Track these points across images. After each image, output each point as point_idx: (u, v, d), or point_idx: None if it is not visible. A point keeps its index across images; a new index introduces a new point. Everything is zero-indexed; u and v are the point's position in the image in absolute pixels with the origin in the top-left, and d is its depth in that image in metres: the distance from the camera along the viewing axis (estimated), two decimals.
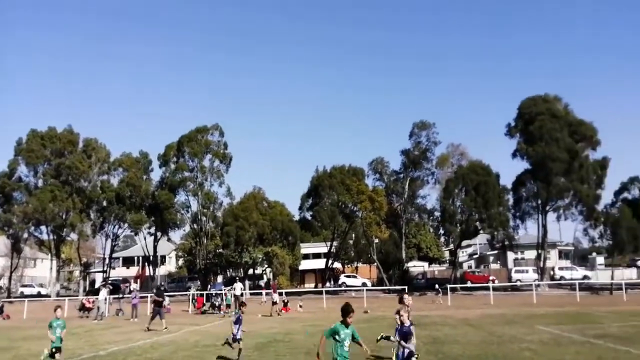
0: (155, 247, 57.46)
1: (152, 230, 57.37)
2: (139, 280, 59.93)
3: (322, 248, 60.43)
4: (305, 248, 64.83)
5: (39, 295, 52.00)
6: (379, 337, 12.12)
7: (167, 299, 35.85)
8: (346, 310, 6.93)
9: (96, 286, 55.06)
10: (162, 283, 53.10)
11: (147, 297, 35.27)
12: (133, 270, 71.77)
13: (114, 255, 63.15)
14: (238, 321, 12.79)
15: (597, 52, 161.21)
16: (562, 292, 43.15)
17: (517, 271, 53.84)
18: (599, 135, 46.60)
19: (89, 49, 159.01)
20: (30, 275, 70.27)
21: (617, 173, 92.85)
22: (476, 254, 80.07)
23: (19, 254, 55.74)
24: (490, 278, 49.75)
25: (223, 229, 50.73)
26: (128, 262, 75.93)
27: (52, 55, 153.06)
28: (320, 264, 61.14)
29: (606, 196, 53.90)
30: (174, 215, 53.59)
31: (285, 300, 32.99)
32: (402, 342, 9.40)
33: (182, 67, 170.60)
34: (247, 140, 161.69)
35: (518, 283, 48.22)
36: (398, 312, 10.01)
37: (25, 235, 54.64)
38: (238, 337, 12.72)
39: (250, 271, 55.82)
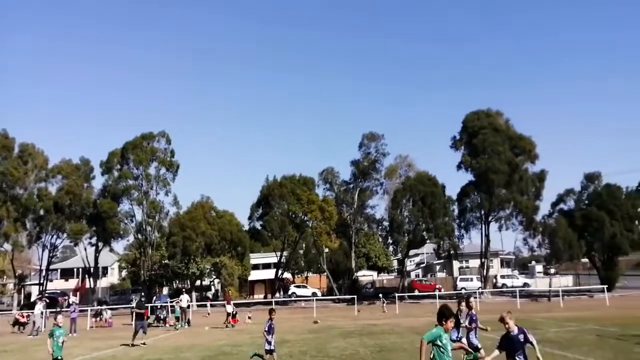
0: (96, 258, 55.09)
1: (93, 240, 54.92)
2: (78, 293, 57.22)
3: (272, 258, 59.94)
4: (255, 258, 64.11)
5: None
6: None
7: (108, 312, 34.67)
8: (445, 314, 6.19)
9: (32, 299, 52.16)
10: (143, 297, 50.78)
11: (86, 310, 33.78)
12: (72, 283, 68.41)
13: (52, 266, 59.98)
14: (271, 330, 12.16)
15: (537, 68, 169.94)
16: (504, 299, 44.73)
17: (461, 279, 55.49)
18: (537, 150, 49.02)
19: (25, 48, 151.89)
20: None
21: (553, 185, 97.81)
22: (423, 263, 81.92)
23: None
24: (437, 286, 50.96)
25: (169, 239, 49.34)
26: (67, 274, 72.40)
27: None
28: (270, 274, 60.59)
29: (544, 207, 56.69)
30: (117, 225, 51.56)
31: (234, 312, 32.42)
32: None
33: (126, 71, 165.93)
34: (195, 148, 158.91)
35: (463, 291, 49.58)
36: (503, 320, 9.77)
37: None
38: (272, 347, 12.17)
39: (198, 282, 54.53)
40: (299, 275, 66.67)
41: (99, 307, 38.80)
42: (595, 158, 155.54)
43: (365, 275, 67.74)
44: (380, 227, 62.23)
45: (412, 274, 77.80)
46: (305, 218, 51.06)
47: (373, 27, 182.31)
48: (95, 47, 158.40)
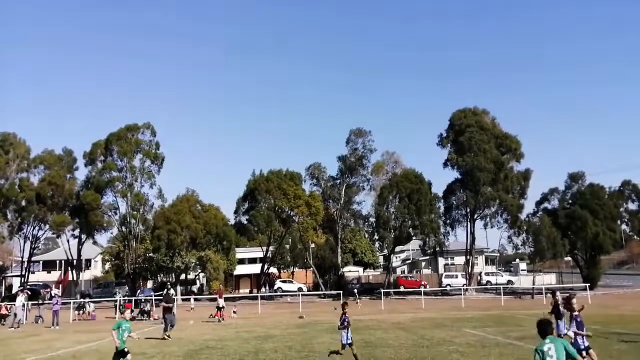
0: (79, 251, 54.36)
1: (76, 232, 54.16)
2: (60, 286, 56.51)
3: (258, 253, 59.72)
4: (241, 253, 63.84)
5: None
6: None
7: (91, 305, 34.28)
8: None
9: (13, 291, 51.38)
10: (169, 288, 50.28)
11: (69, 303, 33.37)
12: (54, 275, 67.53)
13: (34, 258, 59.13)
14: (345, 324, 11.99)
15: (525, 71, 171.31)
16: (488, 296, 45.14)
17: (447, 276, 55.89)
18: (523, 149, 49.40)
19: (6, 36, 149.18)
20: None
21: (538, 184, 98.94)
22: (409, 259, 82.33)
23: None
24: (422, 283, 51.25)
25: (154, 232, 48.83)
26: (49, 266, 71.38)
27: None
28: (255, 269, 60.40)
29: (528, 206, 57.17)
30: (100, 217, 50.83)
31: (221, 306, 32.26)
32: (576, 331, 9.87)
33: (111, 61, 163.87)
34: (181, 141, 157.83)
35: (448, 288, 50.02)
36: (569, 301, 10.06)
37: None
38: (349, 341, 12.03)
39: (183, 276, 54.17)
40: (285, 270, 66.57)
41: (82, 300, 38.36)
42: (579, 158, 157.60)
43: (352, 271, 67.87)
44: (366, 223, 62.40)
45: (398, 270, 78.20)
46: (292, 213, 50.92)
47: (362, 27, 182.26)
48: (79, 36, 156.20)
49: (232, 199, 76.42)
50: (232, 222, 57.67)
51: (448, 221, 50.41)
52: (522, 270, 64.13)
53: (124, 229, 52.20)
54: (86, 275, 66.45)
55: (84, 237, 54.39)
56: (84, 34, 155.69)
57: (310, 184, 55.94)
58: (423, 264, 71.66)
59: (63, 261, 62.43)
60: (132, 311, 31.42)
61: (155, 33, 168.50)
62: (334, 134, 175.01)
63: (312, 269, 54.19)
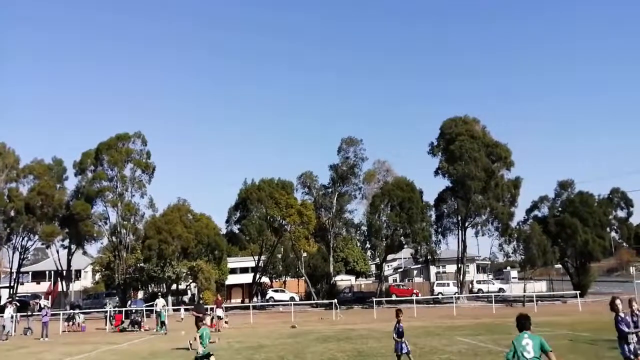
0: (69, 261, 53.85)
1: (66, 242, 53.72)
2: (50, 297, 55.81)
3: (250, 262, 59.50)
4: (233, 262, 63.53)
5: None
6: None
7: (81, 316, 33.87)
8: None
9: (2, 303, 50.65)
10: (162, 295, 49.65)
11: (58, 314, 33.00)
12: (44, 286, 66.78)
13: (23, 269, 58.44)
14: (400, 333, 11.80)
15: (515, 78, 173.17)
16: (480, 304, 45.22)
17: (438, 284, 55.95)
18: (513, 157, 49.79)
19: None
20: None
21: (528, 192, 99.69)
22: (401, 267, 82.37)
23: None
24: (414, 291, 51.27)
25: (144, 242, 48.49)
26: (38, 276, 70.60)
27: None
28: (247, 278, 60.12)
29: (519, 214, 57.58)
30: (90, 227, 50.47)
31: (211, 316, 32.02)
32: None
33: (102, 70, 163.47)
34: (172, 150, 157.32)
35: (440, 296, 50.04)
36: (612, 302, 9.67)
37: None
38: (405, 350, 11.88)
39: (174, 286, 53.77)
40: (277, 280, 66.32)
41: (71, 311, 37.91)
42: (568, 166, 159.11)
43: (344, 280, 67.76)
44: (358, 232, 62.43)
45: (390, 279, 78.17)
46: (284, 222, 50.89)
47: (353, 35, 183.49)
48: (69, 45, 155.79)
49: (223, 208, 76.28)
50: (224, 231, 57.50)
51: (439, 229, 50.57)
52: (513, 278, 64.40)
53: (114, 239, 51.81)
54: (76, 286, 65.74)
55: (73, 247, 53.93)
56: (72, 42, 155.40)
57: (302, 192, 56.06)
58: (415, 272, 71.73)
59: (52, 272, 61.80)
60: (122, 322, 31.36)
61: (146, 40, 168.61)
62: (325, 143, 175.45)
63: (304, 278, 54.06)
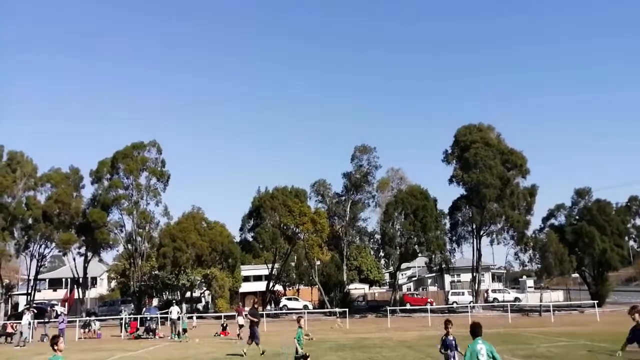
0: (85, 269, 54.39)
1: (82, 250, 54.29)
2: (66, 304, 56.40)
3: (263, 270, 59.58)
4: (246, 270, 63.67)
5: None
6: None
7: (97, 323, 34.19)
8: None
9: (19, 310, 51.38)
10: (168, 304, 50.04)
11: (75, 321, 33.34)
12: (60, 293, 67.52)
13: (40, 276, 59.15)
14: (449, 346, 10.74)
15: (529, 82, 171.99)
16: (495, 313, 44.70)
17: (453, 293, 55.43)
18: (528, 164, 49.35)
19: (13, 58, 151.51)
20: None
21: (544, 200, 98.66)
22: (415, 276, 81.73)
23: None
24: (428, 300, 50.87)
25: (159, 250, 48.85)
26: (55, 284, 71.44)
27: None
28: (261, 286, 60.17)
29: (535, 222, 56.93)
30: (106, 234, 50.99)
31: (224, 324, 32.13)
32: None
33: (117, 80, 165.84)
34: (186, 158, 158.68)
35: (454, 305, 49.55)
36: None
37: None
38: None
39: (188, 294, 54.03)
40: (291, 288, 66.26)
41: (87, 318, 38.30)
42: (585, 173, 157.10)
43: (357, 289, 67.48)
44: (372, 240, 62.21)
45: (404, 288, 77.61)
46: (297, 230, 50.89)
47: (365, 39, 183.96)
48: (85, 56, 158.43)
49: (237, 216, 76.55)
50: (238, 239, 57.69)
51: (454, 238, 50.20)
52: (529, 287, 63.56)
53: (129, 246, 52.30)
54: (92, 293, 66.38)
55: (90, 255, 54.51)
56: (89, 56, 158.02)
57: (316, 200, 55.96)
58: (429, 281, 71.18)
59: (69, 279, 62.44)
60: (137, 329, 31.58)
61: (162, 44, 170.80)
62: (338, 151, 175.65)
63: (317, 286, 53.94)
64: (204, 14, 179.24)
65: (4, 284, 55.64)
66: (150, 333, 30.77)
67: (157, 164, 52.69)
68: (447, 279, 63.37)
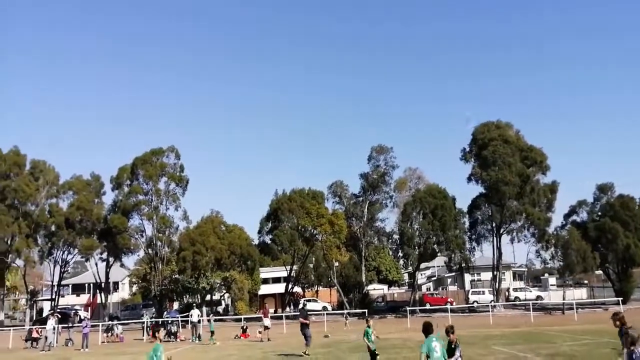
0: (107, 274, 55.24)
1: (104, 255, 55.18)
2: (89, 308, 57.33)
3: (282, 272, 59.75)
4: (265, 272, 63.91)
5: None
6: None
7: (119, 327, 34.65)
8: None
9: (44, 315, 52.35)
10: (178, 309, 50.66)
11: (98, 325, 33.84)
12: (83, 298, 68.71)
13: (63, 282, 60.26)
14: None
15: (547, 78, 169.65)
16: (517, 312, 44.14)
17: (473, 293, 54.89)
18: (548, 161, 48.67)
19: (35, 68, 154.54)
20: None
21: (566, 197, 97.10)
22: (434, 276, 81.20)
23: None
24: (448, 300, 50.44)
25: (179, 254, 49.38)
26: (78, 289, 72.67)
27: None
28: (280, 288, 60.37)
29: (556, 219, 56.05)
30: (127, 240, 51.72)
31: (244, 326, 32.29)
32: None
33: (135, 88, 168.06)
34: (204, 163, 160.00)
35: (475, 304, 49.06)
36: None
37: None
38: None
39: (208, 297, 54.46)
40: (309, 289, 66.33)
41: (110, 322, 38.83)
42: (608, 169, 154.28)
43: (376, 289, 67.25)
44: (390, 241, 61.96)
45: (424, 288, 77.15)
46: (315, 232, 50.96)
47: (381, 39, 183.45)
48: (105, 64, 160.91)
49: (255, 219, 76.93)
50: (256, 242, 57.97)
51: (473, 236, 49.76)
52: (551, 285, 62.62)
53: (150, 251, 52.96)
54: (114, 297, 67.37)
55: (111, 260, 55.37)
56: (106, 70, 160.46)
57: (333, 202, 55.99)
58: (449, 280, 70.62)
59: (92, 284, 63.43)
60: (159, 331, 31.91)
61: (178, 49, 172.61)
62: (355, 152, 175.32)
63: (336, 287, 53.90)
64: (219, 20, 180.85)
65: (29, 290, 56.87)
66: (172, 336, 31.07)
67: (175, 169, 53.29)
68: (467, 278, 62.80)
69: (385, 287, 72.16)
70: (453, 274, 63.02)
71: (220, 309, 58.21)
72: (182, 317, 36.04)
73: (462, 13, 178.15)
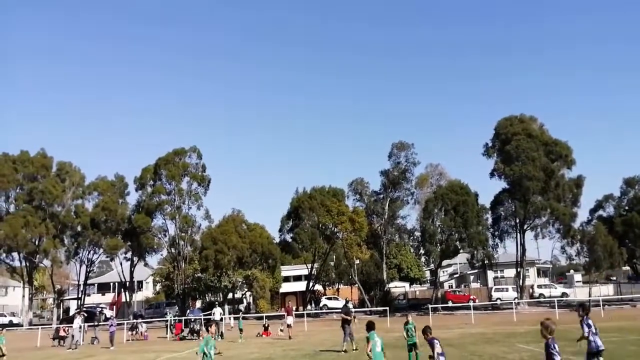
0: (131, 273, 56.13)
1: (129, 255, 56.14)
2: (115, 307, 58.29)
3: (303, 270, 59.88)
4: (286, 270, 64.12)
5: (10, 324, 50.17)
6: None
7: (144, 325, 35.15)
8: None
9: (70, 314, 53.45)
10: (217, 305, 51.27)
11: (123, 324, 34.37)
12: (108, 297, 69.90)
13: (89, 281, 61.47)
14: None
15: (571, 71, 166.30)
16: (542, 309, 43.35)
17: (497, 290, 54.14)
18: (574, 155, 47.70)
19: (61, 72, 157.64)
20: (1, 304, 67.93)
21: (591, 191, 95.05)
22: (456, 273, 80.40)
23: None
24: (471, 297, 49.87)
25: (201, 253, 49.90)
26: (104, 288, 73.99)
27: (23, 79, 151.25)
28: (301, 286, 60.52)
29: (582, 214, 54.92)
30: (151, 239, 52.50)
31: (266, 324, 32.42)
32: None
33: (158, 89, 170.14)
34: (226, 162, 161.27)
35: (498, 302, 48.41)
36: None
37: None
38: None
39: (230, 295, 54.91)
40: (330, 287, 66.33)
41: (134, 320, 39.40)
42: (635, 162, 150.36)
43: (397, 287, 66.87)
44: (411, 238, 61.45)
45: (446, 285, 76.41)
46: (336, 229, 50.90)
47: (401, 37, 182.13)
48: (128, 67, 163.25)
49: (276, 217, 77.18)
50: (277, 240, 58.19)
51: (496, 233, 49.15)
52: (577, 281, 61.40)
53: (173, 250, 53.64)
54: (138, 296, 68.40)
55: (135, 259, 56.24)
56: (129, 73, 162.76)
57: (354, 199, 55.80)
58: (471, 277, 69.81)
59: (116, 283, 64.51)
60: (182, 330, 32.31)
61: (199, 52, 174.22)
62: (376, 149, 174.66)
63: (357, 285, 53.78)
64: (236, 26, 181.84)
65: (56, 289, 58.16)
66: (195, 334, 31.37)
67: (197, 169, 53.90)
68: (490, 275, 61.95)
69: (406, 284, 71.73)
70: (476, 271, 62.30)
71: (242, 307, 58.62)
72: (204, 315, 36.36)
73: (491, 13, 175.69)
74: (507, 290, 52.64)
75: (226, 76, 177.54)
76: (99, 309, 53.26)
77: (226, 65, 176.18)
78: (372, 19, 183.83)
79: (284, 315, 31.67)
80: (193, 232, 53.94)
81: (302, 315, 40.04)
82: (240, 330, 28.91)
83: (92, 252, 55.74)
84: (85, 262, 55.88)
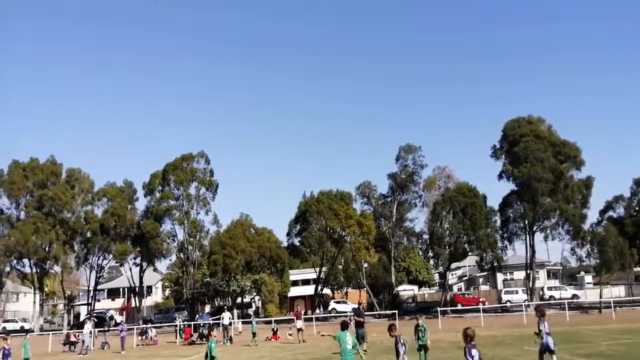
0: (141, 278, 56.43)
1: (138, 260, 56.43)
2: (124, 312, 58.57)
3: (311, 274, 59.87)
4: (294, 274, 64.15)
5: (22, 330, 50.58)
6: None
7: (153, 330, 35.32)
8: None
9: (81, 319, 53.81)
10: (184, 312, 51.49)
11: (133, 329, 34.56)
12: (118, 302, 70.28)
13: (99, 287, 61.86)
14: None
15: (579, 72, 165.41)
16: (552, 311, 42.97)
17: (506, 292, 53.86)
18: (583, 155, 47.41)
19: (70, 78, 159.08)
20: (12, 310, 68.50)
21: (601, 192, 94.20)
22: (465, 276, 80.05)
23: (1, 289, 54.43)
24: (480, 300, 49.64)
25: (210, 258, 50.06)
26: (113, 293, 74.45)
27: (33, 85, 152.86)
28: (309, 290, 60.50)
29: (592, 215, 54.49)
30: (160, 244, 52.74)
31: (275, 329, 32.45)
32: None
33: (167, 95, 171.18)
34: (233, 167, 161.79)
35: (508, 304, 48.12)
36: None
37: (7, 269, 53.45)
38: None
39: (239, 300, 55.03)
40: (339, 291, 66.25)
41: (144, 325, 39.59)
42: None
43: (406, 290, 66.68)
44: (420, 241, 61.20)
45: (455, 288, 76.11)
46: (344, 233, 50.84)
47: (405, 45, 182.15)
48: (133, 73, 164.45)
49: (284, 221, 77.27)
50: (285, 244, 58.27)
51: (505, 235, 48.88)
52: (587, 283, 60.90)
53: (182, 255, 53.84)
54: (148, 301, 68.70)
55: (145, 264, 56.54)
56: (137, 79, 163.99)
57: (361, 203, 55.62)
58: (480, 280, 69.49)
59: (126, 288, 64.88)
60: (191, 335, 32.45)
61: (209, 58, 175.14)
62: (383, 152, 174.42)
63: (365, 289, 53.68)
64: (240, 33, 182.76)
65: (66, 295, 58.58)
66: (204, 339, 31.46)
67: (205, 174, 54.14)
68: (500, 277, 61.73)
69: (415, 287, 71.51)
70: (485, 273, 62.03)
71: (250, 311, 58.74)
72: (213, 319, 36.48)
73: (499, 15, 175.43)
74: (516, 292, 52.34)
75: (234, 81, 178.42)
76: (110, 315, 53.56)
77: (234, 70, 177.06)
78: (386, 25, 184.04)
79: (292, 319, 31.68)
80: (201, 237, 54.10)
81: (310, 319, 40.04)
82: (254, 334, 28.98)
83: (101, 257, 56.12)
84: (95, 267, 56.26)
